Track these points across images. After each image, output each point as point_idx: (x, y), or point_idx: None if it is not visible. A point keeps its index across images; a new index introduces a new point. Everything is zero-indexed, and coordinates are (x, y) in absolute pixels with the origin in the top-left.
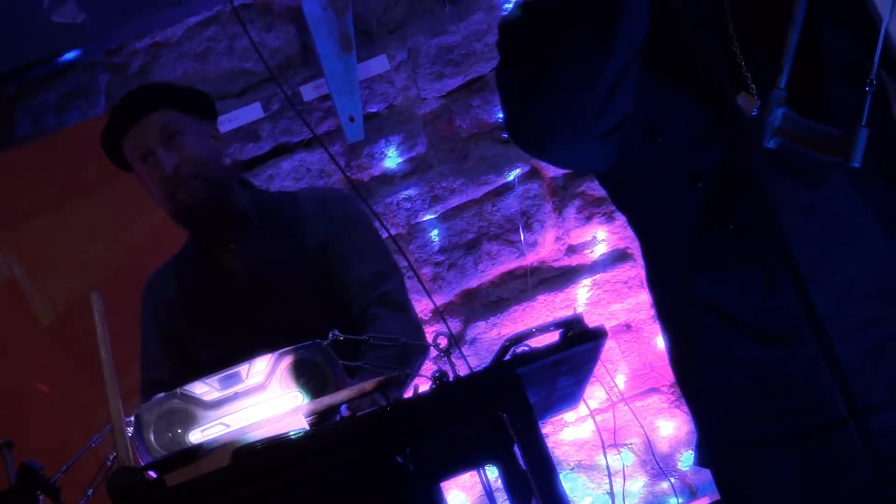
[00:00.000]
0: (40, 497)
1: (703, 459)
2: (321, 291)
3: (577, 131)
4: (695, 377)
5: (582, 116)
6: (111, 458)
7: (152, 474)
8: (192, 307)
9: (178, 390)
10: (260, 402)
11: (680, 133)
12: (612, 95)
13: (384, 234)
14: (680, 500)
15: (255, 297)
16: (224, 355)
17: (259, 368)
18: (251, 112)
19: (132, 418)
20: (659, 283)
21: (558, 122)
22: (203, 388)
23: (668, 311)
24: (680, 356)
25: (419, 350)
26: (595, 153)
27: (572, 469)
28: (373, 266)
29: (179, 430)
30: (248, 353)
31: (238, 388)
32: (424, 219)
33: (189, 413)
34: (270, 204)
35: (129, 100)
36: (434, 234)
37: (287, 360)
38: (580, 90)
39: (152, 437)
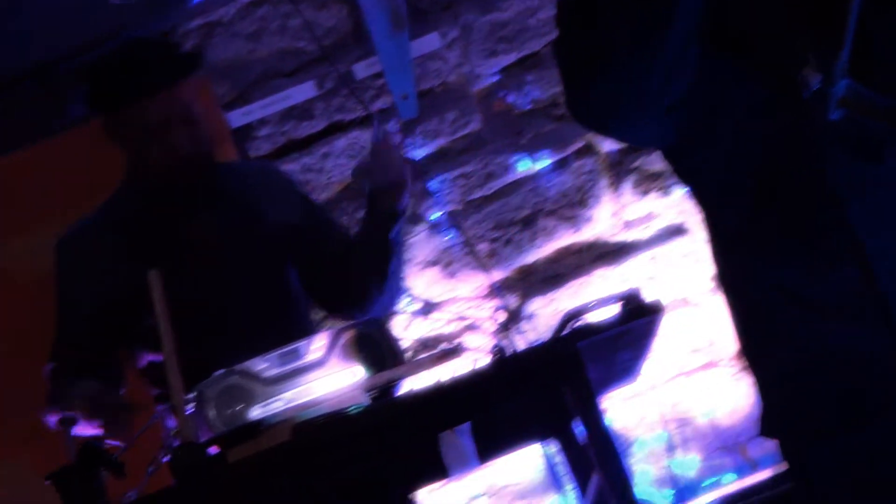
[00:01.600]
0: (103, 474)
1: (767, 430)
2: (277, 268)
3: (638, 107)
4: (760, 351)
5: (643, 92)
6: (173, 434)
7: (214, 450)
8: (128, 276)
9: (237, 367)
10: (319, 377)
11: (739, 110)
12: (673, 70)
13: (439, 212)
14: (741, 474)
15: (216, 268)
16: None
17: (318, 344)
18: (304, 91)
19: (193, 395)
20: (722, 258)
21: (620, 99)
22: (262, 365)
23: (732, 285)
24: (744, 330)
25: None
26: (657, 129)
27: (632, 443)
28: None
29: (240, 407)
30: (209, 325)
31: (297, 364)
32: (479, 195)
33: (249, 389)
34: (221, 172)
35: (144, 64)
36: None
37: (346, 336)
38: (641, 65)
39: (213, 414)
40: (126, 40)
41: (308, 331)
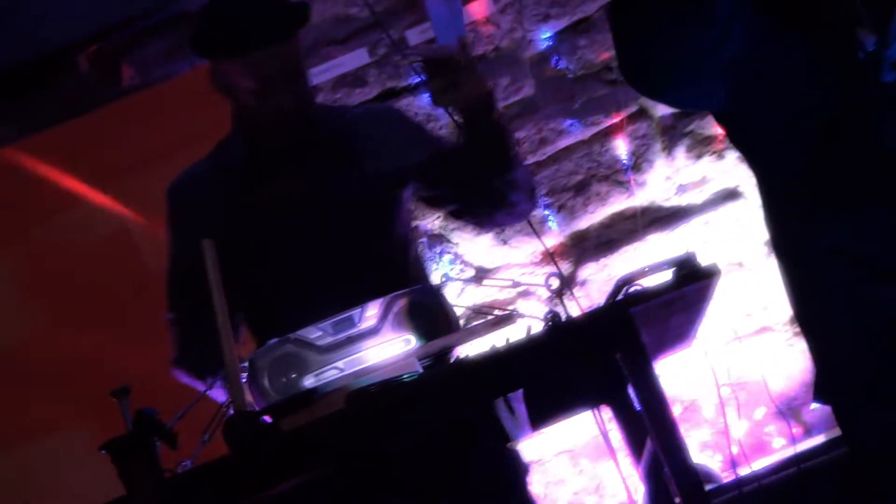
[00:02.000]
0: (157, 443)
1: (821, 395)
2: (384, 219)
3: (692, 70)
4: (817, 315)
5: (697, 55)
6: (226, 403)
7: (267, 419)
8: (238, 225)
9: (292, 335)
10: (373, 345)
11: (794, 70)
12: (726, 33)
13: None
14: (797, 438)
15: (319, 220)
16: (283, 281)
17: (371, 312)
18: (357, 58)
19: (246, 364)
20: (774, 220)
21: (673, 62)
22: (316, 333)
23: (787, 250)
24: (800, 294)
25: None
26: (709, 93)
27: (686, 408)
28: None
29: (294, 375)
30: (312, 280)
31: (351, 332)
32: (532, 161)
33: (303, 358)
34: (327, 121)
35: (253, 19)
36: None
37: (399, 304)
38: (695, 27)
39: (267, 382)
40: None
41: (416, 278)
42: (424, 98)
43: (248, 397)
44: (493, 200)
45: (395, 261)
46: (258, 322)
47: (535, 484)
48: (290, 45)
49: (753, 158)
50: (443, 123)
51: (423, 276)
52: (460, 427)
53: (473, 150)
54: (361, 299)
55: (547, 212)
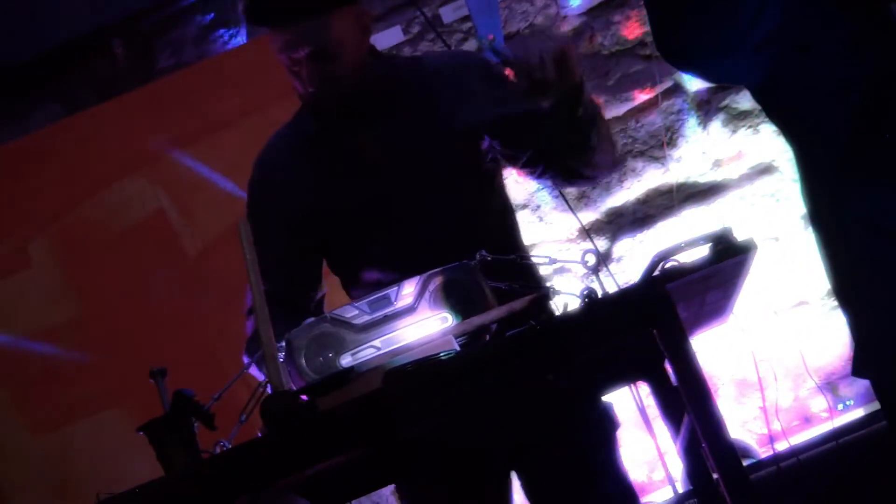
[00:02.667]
0: (195, 423)
1: (860, 369)
2: (471, 172)
3: (728, 44)
4: (854, 288)
5: (733, 28)
6: (263, 383)
7: (305, 398)
8: (322, 195)
9: (328, 314)
10: (410, 324)
11: (831, 44)
12: (762, 6)
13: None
14: (836, 412)
15: (398, 185)
16: (366, 251)
17: (408, 291)
18: (392, 35)
19: (283, 343)
20: (812, 194)
21: (709, 36)
22: (353, 312)
23: (822, 222)
24: (837, 267)
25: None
26: (747, 66)
27: (723, 384)
28: None
29: (330, 354)
30: (396, 251)
31: (387, 310)
32: None
33: (339, 337)
34: (405, 76)
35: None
36: None
37: (436, 282)
38: (731, 2)
39: (304, 362)
40: None
41: (510, 238)
42: None
43: (286, 377)
44: (576, 166)
45: (489, 224)
46: (354, 292)
47: None
48: (324, 22)
49: (790, 132)
50: None
51: (518, 245)
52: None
53: (562, 133)
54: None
55: (583, 188)
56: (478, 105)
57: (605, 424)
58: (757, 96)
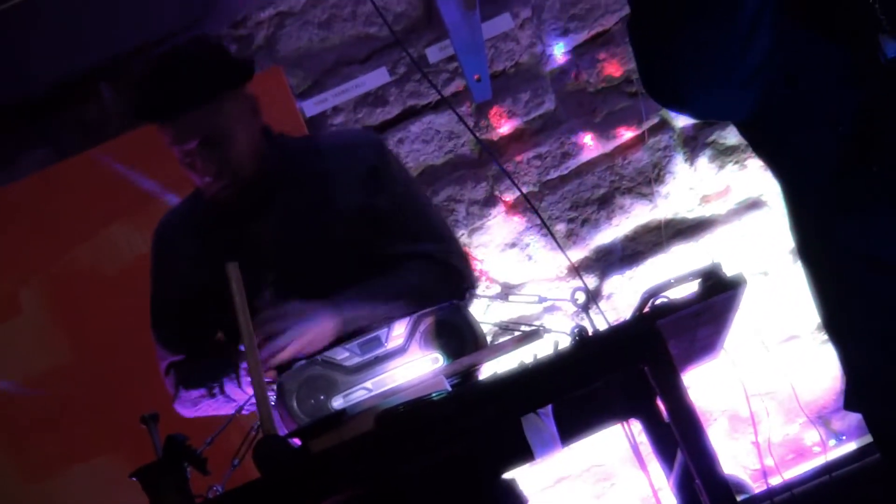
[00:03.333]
0: (187, 468)
1: (852, 403)
2: (354, 255)
3: (717, 77)
4: (842, 321)
5: (722, 61)
6: (255, 427)
7: (297, 441)
8: (215, 278)
9: (319, 357)
10: (400, 364)
11: (820, 77)
12: (751, 36)
13: (515, 194)
14: (828, 446)
15: (288, 267)
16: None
17: (398, 332)
18: (378, 77)
19: (274, 387)
20: (800, 228)
21: (698, 69)
22: (344, 354)
23: (811, 256)
24: (825, 300)
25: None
26: (735, 101)
27: (716, 419)
28: (413, 232)
29: (322, 397)
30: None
31: (378, 352)
32: (555, 175)
33: (331, 379)
34: (295, 159)
35: (164, 91)
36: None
37: (426, 323)
38: (717, 36)
39: (295, 405)
40: (165, 51)
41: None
42: (445, 115)
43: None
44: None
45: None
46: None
47: (567, 500)
48: (210, 110)
49: (778, 165)
50: (465, 140)
51: None
52: (459, 459)
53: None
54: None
55: (571, 225)
56: (358, 191)
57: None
58: (743, 131)
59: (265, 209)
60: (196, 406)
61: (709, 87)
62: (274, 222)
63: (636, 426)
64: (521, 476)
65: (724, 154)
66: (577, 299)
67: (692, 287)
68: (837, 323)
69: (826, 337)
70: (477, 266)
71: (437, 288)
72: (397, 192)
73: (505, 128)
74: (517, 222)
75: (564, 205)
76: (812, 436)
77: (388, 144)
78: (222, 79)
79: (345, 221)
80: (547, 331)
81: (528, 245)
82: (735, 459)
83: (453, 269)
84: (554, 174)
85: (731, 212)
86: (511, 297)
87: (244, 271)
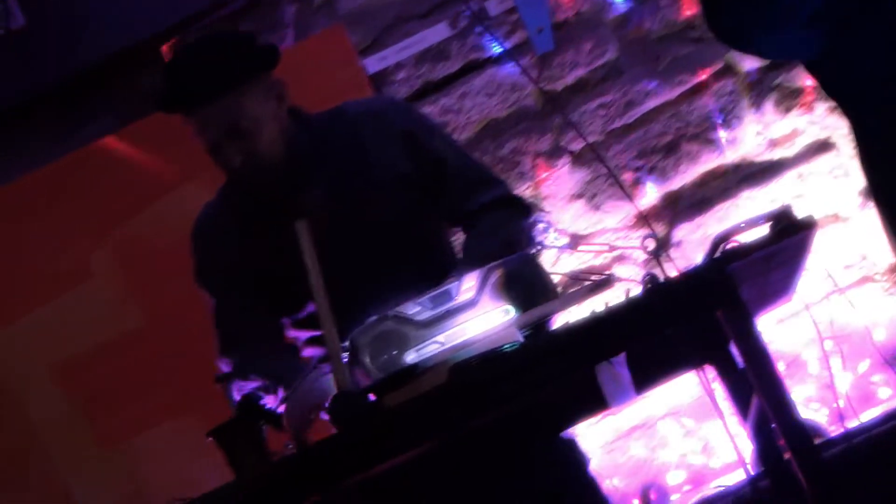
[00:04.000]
0: (263, 426)
1: None
2: (402, 222)
3: (782, 17)
4: None
5: (785, 2)
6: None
7: (372, 397)
8: (261, 266)
9: (390, 312)
10: (472, 317)
11: (889, 9)
12: None
13: (580, 144)
14: None
15: (334, 243)
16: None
17: (468, 285)
18: (438, 32)
19: (347, 343)
20: (875, 168)
21: (761, 10)
22: (415, 308)
23: (884, 194)
24: None
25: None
26: (802, 40)
27: (789, 363)
28: (470, 185)
29: (395, 352)
30: (350, 302)
31: (449, 305)
32: (620, 124)
33: (403, 334)
34: (326, 135)
35: (186, 83)
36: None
37: (496, 275)
38: None
39: (368, 360)
40: (185, 42)
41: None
42: (507, 68)
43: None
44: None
45: (420, 265)
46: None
47: (642, 447)
48: (235, 99)
49: (848, 105)
50: (528, 92)
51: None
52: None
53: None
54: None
55: (639, 174)
56: (395, 157)
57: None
58: (812, 70)
59: (304, 189)
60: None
61: (774, 27)
62: (316, 199)
63: (711, 372)
64: (595, 427)
65: (791, 97)
66: (647, 246)
67: (763, 231)
68: None
69: None
70: (544, 218)
71: (523, 228)
72: (441, 149)
73: (568, 78)
74: (583, 173)
75: (630, 153)
76: (887, 377)
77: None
78: (245, 68)
79: (387, 189)
80: (618, 279)
81: (595, 195)
82: (811, 403)
83: (524, 203)
84: (619, 123)
85: (799, 155)
86: (580, 247)
87: (289, 254)
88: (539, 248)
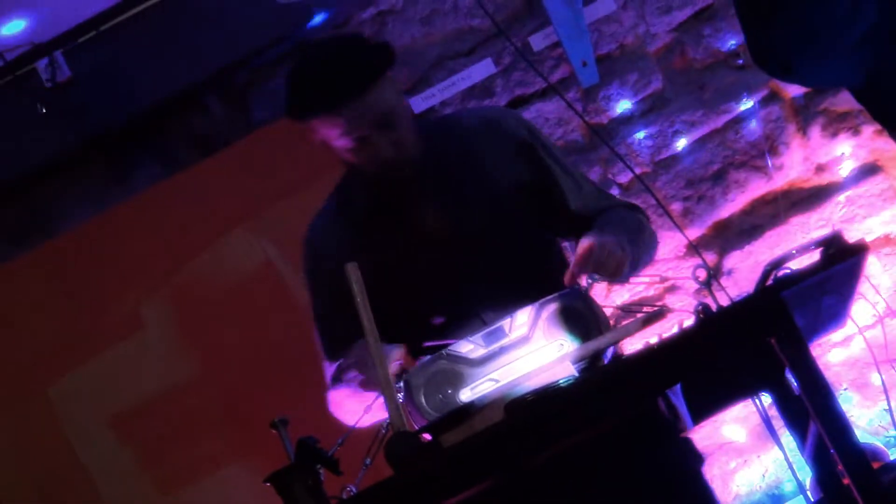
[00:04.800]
0: (320, 470)
1: None
2: (520, 231)
3: (823, 46)
4: None
5: (827, 30)
6: (385, 425)
7: (427, 437)
8: (380, 266)
9: (444, 351)
10: (525, 353)
11: None
12: (853, 13)
13: (629, 176)
14: None
15: (453, 250)
16: (431, 310)
17: (521, 321)
18: (484, 68)
19: (401, 384)
20: None
21: (804, 40)
22: (468, 347)
23: None
24: None
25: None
26: (844, 67)
27: (845, 389)
28: (588, 193)
29: (449, 391)
30: (461, 305)
31: (503, 342)
32: (668, 155)
33: (457, 372)
34: (441, 141)
35: (335, 81)
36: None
37: (549, 310)
38: (821, 11)
39: (423, 400)
40: (308, 47)
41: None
42: (553, 102)
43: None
44: None
45: (537, 274)
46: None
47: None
48: (378, 92)
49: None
50: (574, 125)
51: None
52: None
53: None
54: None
55: (687, 203)
56: (513, 166)
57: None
58: (858, 96)
59: (422, 195)
60: (341, 408)
61: (814, 58)
62: (434, 207)
63: (767, 399)
64: None
65: (837, 121)
66: (698, 277)
67: (814, 256)
68: None
69: None
70: None
71: (646, 224)
72: (557, 161)
73: (614, 111)
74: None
75: (679, 183)
76: None
77: None
78: (378, 62)
79: (504, 197)
80: (670, 310)
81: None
82: (868, 427)
83: (641, 208)
84: (666, 153)
85: (848, 179)
86: (631, 279)
87: (406, 260)
88: (590, 281)
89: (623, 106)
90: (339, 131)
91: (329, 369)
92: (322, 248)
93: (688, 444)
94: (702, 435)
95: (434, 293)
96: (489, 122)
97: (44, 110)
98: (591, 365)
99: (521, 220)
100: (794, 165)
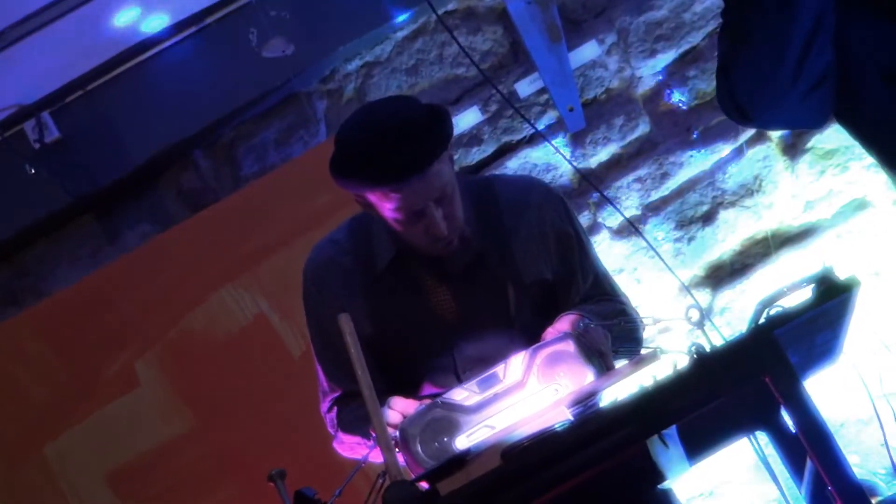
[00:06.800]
0: None
1: None
2: (526, 322)
3: (774, 96)
4: None
5: (777, 81)
6: (382, 475)
7: (425, 485)
8: (384, 327)
9: (439, 399)
10: (520, 399)
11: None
12: (805, 55)
13: (619, 220)
14: None
15: (458, 333)
16: (415, 372)
17: (515, 367)
18: (470, 117)
19: (397, 433)
20: None
21: (755, 90)
22: (463, 394)
23: None
24: None
25: (640, 328)
26: (800, 112)
27: (842, 425)
28: (594, 280)
29: (445, 438)
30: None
31: (497, 388)
32: (657, 197)
33: (452, 420)
34: (483, 219)
35: (401, 155)
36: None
37: (542, 355)
38: (770, 56)
39: (419, 449)
40: (369, 112)
41: None
42: (541, 148)
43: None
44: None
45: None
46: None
47: None
48: (438, 166)
49: (883, 158)
50: (563, 171)
51: None
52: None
53: None
54: None
55: (678, 244)
56: (541, 259)
57: None
58: (850, 131)
59: (447, 275)
60: (353, 451)
61: (769, 103)
62: (454, 291)
63: (763, 438)
64: None
65: (825, 158)
66: (691, 317)
67: (806, 294)
68: None
69: None
70: None
71: (638, 327)
72: (590, 254)
73: (602, 155)
74: (623, 247)
75: (669, 225)
76: None
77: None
78: (440, 137)
79: (523, 293)
80: (664, 352)
81: (635, 269)
82: (866, 463)
83: (641, 319)
84: (655, 196)
85: (837, 215)
86: (624, 322)
87: (409, 328)
88: (583, 324)
89: (610, 150)
90: (395, 205)
91: (326, 400)
92: (326, 278)
93: (668, 495)
94: (698, 474)
95: (425, 361)
96: (529, 204)
97: (32, 171)
98: (585, 409)
99: (531, 313)
100: (783, 203)
